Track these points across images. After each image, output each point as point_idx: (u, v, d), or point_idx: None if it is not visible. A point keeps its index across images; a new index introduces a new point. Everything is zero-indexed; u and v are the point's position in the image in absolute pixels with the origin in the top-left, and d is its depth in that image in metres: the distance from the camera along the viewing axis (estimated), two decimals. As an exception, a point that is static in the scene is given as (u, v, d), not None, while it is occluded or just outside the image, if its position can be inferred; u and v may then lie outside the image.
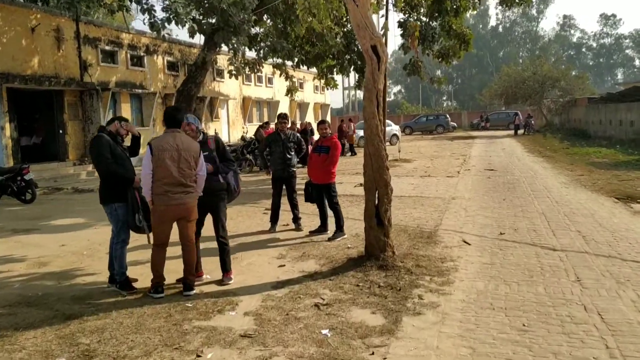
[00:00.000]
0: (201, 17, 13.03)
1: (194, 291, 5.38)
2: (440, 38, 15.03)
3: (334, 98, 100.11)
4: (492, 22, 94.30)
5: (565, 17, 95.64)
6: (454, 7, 14.37)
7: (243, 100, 31.41)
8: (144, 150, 5.38)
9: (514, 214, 9.05)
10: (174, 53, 25.08)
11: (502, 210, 9.51)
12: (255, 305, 4.95)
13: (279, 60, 17.27)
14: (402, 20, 15.00)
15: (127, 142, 6.03)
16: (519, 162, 18.49)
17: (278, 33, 15.05)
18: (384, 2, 13.72)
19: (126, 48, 22.04)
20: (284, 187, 8.41)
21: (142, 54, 22.94)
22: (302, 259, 6.55)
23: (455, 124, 49.65)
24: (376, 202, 6.16)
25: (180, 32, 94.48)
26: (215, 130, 25.10)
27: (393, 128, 29.89)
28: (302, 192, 8.21)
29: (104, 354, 3.99)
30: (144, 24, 11.46)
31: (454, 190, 12.27)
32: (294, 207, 8.42)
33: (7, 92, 16.97)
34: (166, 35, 12.70)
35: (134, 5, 12.94)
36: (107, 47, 21.02)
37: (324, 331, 4.25)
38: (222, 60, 23.67)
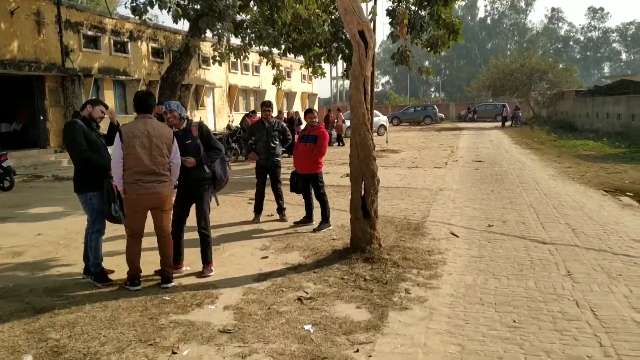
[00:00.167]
0: (185, 2, 12.68)
1: (173, 283, 5.16)
2: (429, 27, 14.81)
3: (322, 88, 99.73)
4: (481, 14, 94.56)
5: (553, 9, 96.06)
6: (444, -5, 14.15)
7: (229, 88, 31.02)
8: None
9: (502, 206, 8.92)
10: (159, 39, 24.61)
11: (490, 202, 9.38)
12: (235, 298, 4.75)
13: (266, 48, 16.96)
14: (390, 8, 14.75)
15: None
16: (507, 154, 18.42)
17: (264, 20, 14.73)
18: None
19: (109, 33, 21.53)
20: (268, 176, 8.19)
21: (125, 39, 22.44)
22: (286, 251, 6.35)
23: (442, 115, 49.58)
24: (362, 193, 5.97)
25: (165, 18, 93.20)
26: (200, 118, 24.71)
27: (381, 118, 29.72)
28: (288, 182, 8.00)
29: (74, 350, 3.78)
30: (126, 7, 11.11)
31: (442, 181, 12.14)
32: (278, 197, 8.21)
33: (-15, 77, 16.48)
34: (148, 20, 12.30)
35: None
36: (89, 32, 20.50)
37: (307, 327, 4.06)
38: (208, 48, 23.26)
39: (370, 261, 5.60)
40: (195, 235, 5.78)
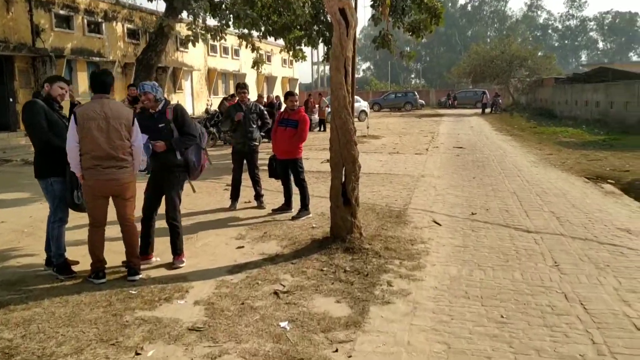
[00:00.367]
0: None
1: (140, 276, 4.84)
2: (411, 11, 14.49)
3: (303, 73, 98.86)
4: (462, 1, 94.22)
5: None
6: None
7: (208, 71, 30.35)
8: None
9: (485, 193, 8.75)
10: (135, 20, 23.84)
11: (473, 189, 9.20)
12: (207, 292, 4.46)
13: (245, 30, 16.48)
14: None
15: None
16: (488, 141, 18.33)
17: (243, 1, 14.25)
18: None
19: (82, 13, 20.75)
20: (245, 162, 7.87)
21: (100, 20, 21.67)
22: (263, 240, 6.06)
23: (423, 102, 49.51)
24: (343, 179, 5.70)
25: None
26: (178, 102, 24.08)
27: (362, 104, 29.42)
28: (266, 168, 7.69)
29: (27, 352, 3.45)
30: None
31: (423, 167, 11.94)
32: (255, 183, 7.90)
33: (-51, 56, 15.72)
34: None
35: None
36: (61, 12, 19.71)
37: (283, 324, 3.79)
38: (186, 29, 22.66)
39: (351, 251, 5.35)
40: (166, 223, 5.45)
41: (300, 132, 7.20)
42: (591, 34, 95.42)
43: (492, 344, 3.47)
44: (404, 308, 4.08)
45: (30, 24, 18.35)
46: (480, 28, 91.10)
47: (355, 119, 7.05)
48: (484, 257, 5.33)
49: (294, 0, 12.95)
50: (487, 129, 23.67)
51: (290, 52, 17.42)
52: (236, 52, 32.71)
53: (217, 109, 19.25)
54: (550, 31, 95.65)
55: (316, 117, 23.32)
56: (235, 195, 7.86)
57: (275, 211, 7.51)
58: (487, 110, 38.25)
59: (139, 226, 5.14)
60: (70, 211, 5.13)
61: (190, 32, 13.15)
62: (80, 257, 5.29)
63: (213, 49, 30.58)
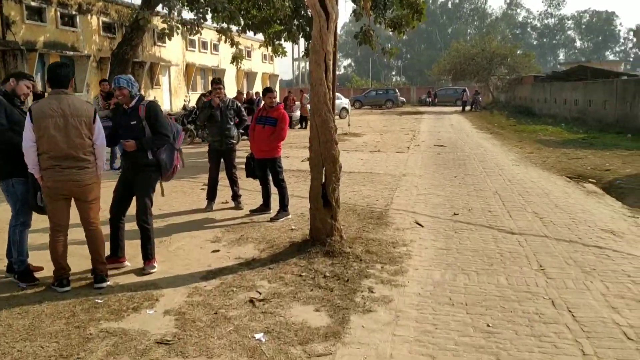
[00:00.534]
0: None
1: (108, 283, 4.56)
2: (393, 6, 14.32)
3: (284, 69, 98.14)
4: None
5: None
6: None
7: (186, 67, 29.86)
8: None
9: (467, 193, 8.61)
10: (111, 13, 23.27)
11: (454, 188, 9.07)
12: (178, 301, 4.21)
13: (224, 25, 16.14)
14: (354, -16, 14.17)
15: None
16: (468, 139, 18.29)
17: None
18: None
19: (55, 5, 20.13)
20: (222, 160, 7.60)
21: (74, 12, 21.08)
22: (240, 243, 5.82)
23: (404, 99, 49.52)
24: (323, 180, 5.48)
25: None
26: (155, 98, 23.64)
27: (343, 101, 29.22)
28: (243, 167, 7.43)
29: (-22, 370, 3.17)
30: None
31: (404, 166, 11.79)
32: (233, 183, 7.63)
33: None
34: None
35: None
36: (33, 3, 19.09)
37: (258, 335, 3.56)
38: (161, 22, 22.20)
39: (331, 255, 5.14)
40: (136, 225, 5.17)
41: (279, 130, 6.96)
42: (569, 32, 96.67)
43: (479, 356, 3.29)
44: (386, 317, 3.89)
45: (0, 16, 17.75)
46: (461, 26, 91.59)
47: (336, 117, 6.83)
48: (467, 261, 5.17)
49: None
50: (468, 127, 23.67)
51: (270, 47, 17.12)
52: (215, 47, 32.24)
53: (194, 105, 18.87)
54: (529, 29, 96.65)
55: (297, 114, 23.07)
56: (211, 196, 7.60)
57: (253, 212, 7.27)
58: (468, 108, 38.37)
59: (105, 229, 4.86)
60: (35, 213, 4.83)
61: (165, 25, 12.77)
62: (44, 262, 4.97)
63: (191, 43, 30.09)
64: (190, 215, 7.23)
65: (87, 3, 21.70)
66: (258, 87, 37.03)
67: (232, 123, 7.52)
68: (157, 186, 5.18)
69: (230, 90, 29.34)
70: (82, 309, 4.05)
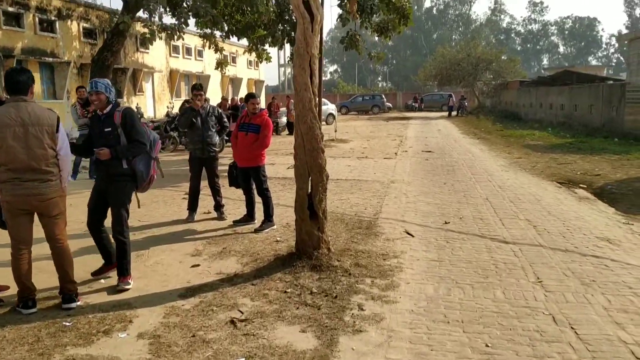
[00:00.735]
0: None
1: (78, 303, 4.24)
2: (379, 11, 14.16)
3: (269, 75, 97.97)
4: (427, 4, 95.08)
5: (496, 2, 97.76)
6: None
7: (170, 73, 29.44)
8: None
9: (457, 200, 8.39)
10: (92, 19, 22.82)
11: (444, 195, 8.84)
12: (154, 322, 3.89)
13: (207, 30, 15.86)
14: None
15: None
16: (456, 144, 18.14)
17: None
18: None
19: (34, 11, 19.65)
20: (204, 169, 7.30)
21: (53, 18, 20.60)
22: (222, 257, 5.51)
23: (390, 105, 49.51)
24: (309, 190, 5.20)
25: None
26: (137, 104, 23.22)
27: (329, 107, 29.01)
28: (226, 175, 7.14)
29: None
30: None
31: (393, 173, 11.56)
32: (216, 193, 7.33)
33: None
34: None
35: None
36: (10, 9, 18.60)
37: (239, 362, 3.28)
38: (142, 27, 21.84)
39: (318, 269, 4.86)
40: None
41: (263, 137, 6.68)
42: (552, 38, 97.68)
43: (480, 383, 3.03)
44: (378, 337, 3.61)
45: (-24, 22, 17.30)
46: (446, 31, 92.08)
47: (323, 123, 6.58)
48: (461, 273, 4.91)
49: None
50: (455, 132, 23.57)
51: (254, 53, 16.87)
52: (200, 53, 31.87)
53: (178, 112, 18.51)
54: (513, 35, 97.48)
55: (284, 119, 22.83)
56: (193, 206, 7.28)
57: (237, 223, 6.97)
58: (454, 113, 38.39)
59: (76, 244, 4.54)
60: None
61: (146, 30, 12.44)
62: (10, 281, 4.63)
63: (175, 49, 29.71)
64: (171, 227, 6.91)
65: (67, 8, 21.26)
66: (243, 93, 36.56)
67: (213, 130, 7.23)
68: (133, 197, 4.87)
69: (215, 96, 29.02)
70: (48, 333, 3.72)
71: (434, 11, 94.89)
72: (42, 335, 3.71)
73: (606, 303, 4.16)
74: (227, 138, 8.25)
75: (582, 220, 7.00)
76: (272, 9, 13.79)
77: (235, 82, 38.14)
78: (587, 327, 3.72)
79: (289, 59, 18.76)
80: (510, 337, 3.60)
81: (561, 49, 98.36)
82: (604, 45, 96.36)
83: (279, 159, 13.74)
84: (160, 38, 13.28)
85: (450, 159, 13.92)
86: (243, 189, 7.02)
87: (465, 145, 17.56)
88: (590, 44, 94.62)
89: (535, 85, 31.28)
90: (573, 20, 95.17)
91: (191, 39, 28.42)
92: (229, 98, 22.04)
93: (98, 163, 4.75)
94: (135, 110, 19.65)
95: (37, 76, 19.83)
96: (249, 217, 7.02)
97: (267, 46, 16.49)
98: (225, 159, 11.31)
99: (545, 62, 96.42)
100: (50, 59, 20.39)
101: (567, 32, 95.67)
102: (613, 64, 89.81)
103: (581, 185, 9.79)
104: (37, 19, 19.73)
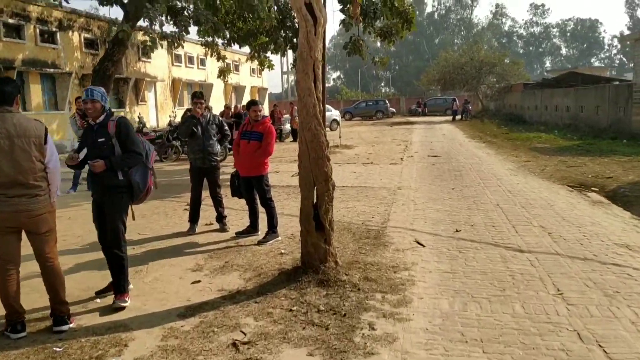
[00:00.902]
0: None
1: (70, 325, 3.99)
2: (382, 15, 13.96)
3: (272, 82, 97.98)
4: (429, 9, 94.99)
5: (497, 5, 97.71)
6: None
7: (173, 82, 29.35)
8: None
9: (467, 207, 8.13)
10: (93, 29, 22.76)
11: (453, 201, 8.58)
12: (151, 345, 3.65)
13: (209, 39, 15.70)
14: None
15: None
16: (462, 148, 17.88)
17: (206, 6, 13.46)
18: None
19: (35, 22, 19.62)
20: (205, 179, 7.07)
21: (54, 29, 20.56)
22: (224, 272, 5.26)
23: (394, 110, 49.33)
24: (315, 200, 4.95)
25: (103, 8, 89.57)
26: (139, 114, 23.07)
27: (333, 113, 28.83)
28: (228, 185, 6.90)
29: None
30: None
31: (399, 178, 11.31)
32: (218, 203, 7.09)
33: None
34: (64, 2, 10.84)
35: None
36: (10, 20, 18.58)
37: (242, 390, 3.02)
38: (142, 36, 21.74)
39: (325, 284, 4.60)
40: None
41: (265, 145, 6.44)
42: (554, 40, 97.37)
43: (505, 412, 2.77)
44: (391, 360, 3.35)
45: (-24, 35, 17.22)
46: (447, 36, 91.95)
47: (327, 129, 6.33)
48: (476, 286, 4.65)
49: (258, 3, 12.19)
50: (460, 136, 23.30)
51: (257, 60, 16.70)
52: (202, 62, 31.81)
53: (180, 121, 18.34)
54: (515, 38, 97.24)
55: (287, 126, 22.65)
56: (194, 218, 7.05)
57: (240, 234, 6.72)
58: (458, 117, 38.12)
59: (72, 259, 4.30)
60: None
61: (147, 38, 12.25)
62: None
63: (177, 58, 29.63)
64: (171, 240, 6.68)
65: (68, 19, 21.21)
66: (246, 101, 36.54)
67: (214, 139, 7.01)
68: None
69: (218, 104, 28.88)
70: (38, 360, 3.49)
71: (436, 16, 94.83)
72: (31, 362, 3.47)
73: (633, 317, 3.89)
74: (230, 146, 7.98)
75: (598, 225, 6.72)
76: (273, 15, 13.60)
77: (238, 90, 38.04)
78: (615, 345, 3.46)
79: (291, 65, 18.58)
80: (534, 357, 3.34)
81: (563, 51, 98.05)
82: (606, 47, 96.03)
83: (282, 167, 13.52)
84: (162, 46, 13.10)
85: (457, 163, 13.66)
86: (246, 199, 6.78)
87: (471, 149, 17.29)
88: (592, 46, 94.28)
89: (539, 88, 31.00)
90: (575, 22, 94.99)
91: (193, 47, 28.38)
92: (232, 106, 21.85)
93: (93, 175, 4.53)
94: (138, 120, 19.57)
95: (38, 87, 19.80)
96: (252, 228, 6.78)
97: (269, 53, 16.32)
98: (228, 167, 11.10)
99: (547, 64, 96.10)
100: (52, 70, 20.32)
101: (569, 34, 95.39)
102: (616, 65, 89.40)
103: (593, 188, 9.51)
104: (37, 30, 19.69)
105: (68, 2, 13.93)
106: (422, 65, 75.70)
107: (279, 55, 17.51)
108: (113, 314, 4.25)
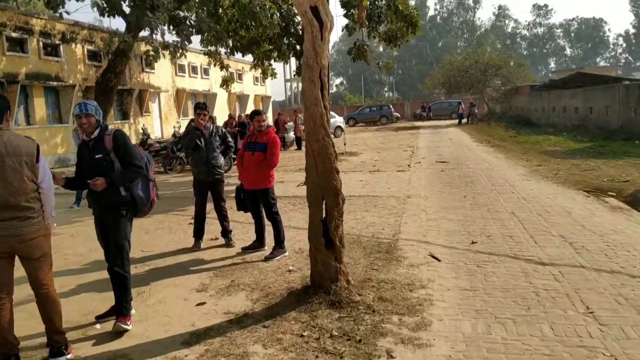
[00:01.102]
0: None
1: (67, 356, 3.74)
2: (387, 19, 13.75)
3: (276, 90, 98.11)
4: (431, 12, 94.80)
5: (500, 7, 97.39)
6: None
7: (177, 92, 29.22)
8: None
9: (481, 215, 7.83)
10: (96, 41, 22.67)
11: (466, 210, 8.29)
12: (153, 379, 3.39)
13: (212, 48, 15.53)
14: (345, -1, 13.57)
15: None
16: (470, 153, 17.58)
17: (208, 14, 13.29)
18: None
19: (38, 35, 19.52)
20: (209, 193, 6.82)
21: (57, 42, 20.46)
22: (230, 292, 5.00)
23: (398, 115, 49.03)
24: (323, 215, 4.69)
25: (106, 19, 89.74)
26: (143, 125, 22.92)
27: (337, 119, 28.62)
28: (234, 198, 6.66)
29: None
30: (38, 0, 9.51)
31: (408, 186, 11.02)
32: (223, 218, 6.84)
33: None
34: (64, 13, 10.69)
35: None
36: (14, 34, 18.47)
37: None
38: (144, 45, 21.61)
39: (337, 306, 4.32)
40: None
41: (270, 156, 6.20)
42: (558, 40, 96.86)
43: None
44: (413, 393, 3.07)
45: (-21, 49, 17.12)
46: (451, 39, 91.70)
47: (331, 136, 6.03)
48: (499, 305, 4.36)
49: (260, 10, 11.99)
50: (467, 141, 22.99)
51: (259, 69, 16.50)
52: (206, 72, 31.69)
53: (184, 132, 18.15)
54: (518, 39, 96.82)
55: (291, 134, 22.44)
56: (199, 234, 6.80)
57: (246, 250, 6.46)
58: (464, 120, 37.80)
59: (72, 281, 4.06)
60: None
61: (149, 47, 12.07)
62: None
63: (181, 68, 29.52)
64: (176, 257, 6.43)
65: (71, 32, 21.12)
66: (250, 110, 36.39)
67: (218, 151, 6.77)
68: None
69: (222, 114, 28.72)
70: (31, 398, 3.23)
71: (438, 19, 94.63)
72: (24, 400, 3.22)
73: (674, 338, 3.59)
74: (235, 156, 7.76)
75: (622, 234, 6.41)
76: (276, 22, 13.40)
77: (242, 99, 37.93)
78: (659, 372, 3.17)
79: (294, 73, 18.37)
80: (571, 388, 3.05)
81: (568, 51, 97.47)
82: (611, 46, 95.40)
83: (288, 176, 13.27)
84: (164, 56, 12.92)
85: (467, 169, 13.36)
86: (251, 212, 6.54)
87: (480, 154, 16.98)
88: (597, 45, 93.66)
89: (546, 89, 30.66)
90: (579, 22, 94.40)
91: (197, 57, 28.28)
92: (236, 115, 21.67)
93: (93, 193, 4.29)
94: (142, 131, 19.38)
95: (42, 101, 19.70)
96: (259, 242, 6.52)
97: (272, 61, 16.12)
98: (232, 178, 10.86)
99: (552, 65, 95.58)
100: (55, 83, 20.22)
101: (573, 34, 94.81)
102: (621, 64, 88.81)
103: (610, 193, 9.19)
104: (41, 44, 19.60)
105: (69, 14, 13.77)
106: (426, 69, 75.53)
107: (281, 64, 17.34)
108: (113, 341, 4.00)
